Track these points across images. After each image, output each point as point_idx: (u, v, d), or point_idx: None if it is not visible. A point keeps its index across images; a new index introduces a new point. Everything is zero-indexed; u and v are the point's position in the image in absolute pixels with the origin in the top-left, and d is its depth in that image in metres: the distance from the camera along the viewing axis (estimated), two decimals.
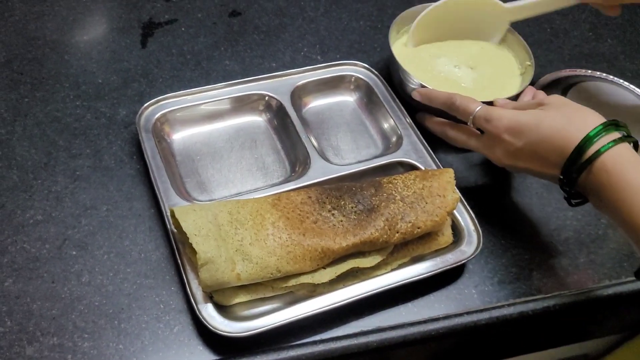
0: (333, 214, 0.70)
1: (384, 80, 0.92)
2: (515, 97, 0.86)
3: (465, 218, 0.78)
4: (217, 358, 0.65)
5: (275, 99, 0.87)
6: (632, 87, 1.02)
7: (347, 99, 0.94)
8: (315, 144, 0.84)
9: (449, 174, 0.76)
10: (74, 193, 0.76)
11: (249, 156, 0.84)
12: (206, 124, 0.86)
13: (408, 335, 0.71)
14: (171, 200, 0.74)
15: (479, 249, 0.75)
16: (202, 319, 0.65)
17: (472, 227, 0.78)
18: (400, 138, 0.87)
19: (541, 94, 0.83)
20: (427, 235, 0.75)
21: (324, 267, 0.70)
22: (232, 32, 1.00)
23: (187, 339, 0.66)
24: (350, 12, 1.08)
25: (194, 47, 0.97)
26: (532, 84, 0.90)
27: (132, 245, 0.73)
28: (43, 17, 0.97)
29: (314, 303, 0.68)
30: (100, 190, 0.77)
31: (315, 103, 0.92)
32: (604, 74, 1.04)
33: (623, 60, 1.08)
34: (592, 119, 0.68)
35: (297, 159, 0.83)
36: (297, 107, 0.88)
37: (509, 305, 0.74)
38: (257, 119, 0.88)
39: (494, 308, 0.74)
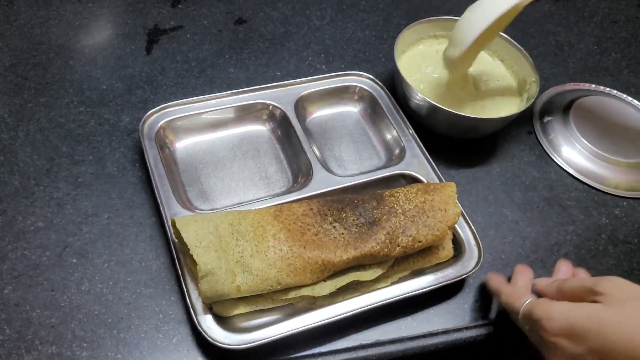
0: (334, 227, 0.70)
1: (388, 92, 0.92)
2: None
3: (467, 232, 0.78)
4: None
5: (279, 108, 0.87)
6: (635, 102, 1.02)
7: (351, 109, 0.94)
8: (318, 154, 0.84)
9: (451, 188, 0.76)
10: (75, 200, 0.77)
11: (252, 165, 0.84)
12: (209, 133, 0.86)
13: (407, 349, 0.71)
14: (172, 209, 0.74)
15: (479, 264, 0.75)
16: (201, 330, 0.64)
17: (473, 242, 0.78)
18: (403, 150, 0.86)
19: (585, 275, 0.71)
20: (428, 249, 0.75)
21: (324, 280, 0.70)
22: (237, 40, 1.00)
23: (186, 349, 0.66)
24: (355, 22, 1.08)
25: (199, 54, 0.97)
26: (536, 97, 0.90)
27: (133, 254, 0.73)
28: (48, 22, 0.97)
29: (314, 315, 0.68)
30: (102, 197, 0.77)
31: (319, 113, 0.92)
32: (608, 89, 1.04)
33: (627, 75, 1.08)
34: None
35: (299, 170, 0.83)
36: (301, 117, 0.88)
37: (509, 320, 0.74)
38: (260, 128, 0.88)
39: (493, 323, 0.74)
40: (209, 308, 0.67)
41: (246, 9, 1.06)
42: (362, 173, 0.84)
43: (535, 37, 1.09)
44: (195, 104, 0.85)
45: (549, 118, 0.98)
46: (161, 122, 0.83)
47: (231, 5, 1.06)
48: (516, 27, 1.12)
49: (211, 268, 0.64)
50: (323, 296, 0.69)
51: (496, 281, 0.72)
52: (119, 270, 0.71)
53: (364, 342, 0.70)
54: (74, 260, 0.71)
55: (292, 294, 0.68)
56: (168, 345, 0.66)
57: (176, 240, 0.70)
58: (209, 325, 0.65)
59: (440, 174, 0.83)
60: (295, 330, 0.66)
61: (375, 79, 0.93)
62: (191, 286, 0.68)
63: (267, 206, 0.74)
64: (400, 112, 0.90)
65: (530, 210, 0.86)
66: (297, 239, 0.68)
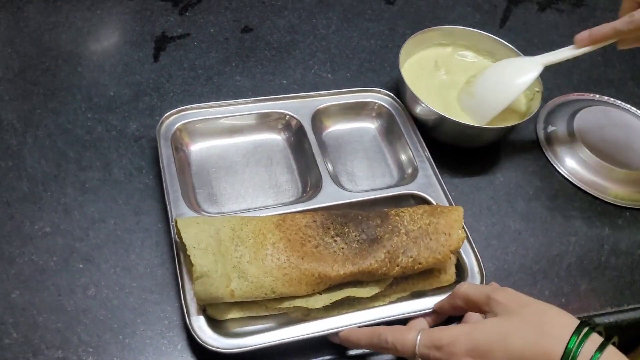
0: (335, 241, 0.70)
1: (406, 110, 0.92)
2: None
3: (471, 258, 0.77)
4: None
5: (296, 119, 0.88)
6: (639, 112, 1.03)
7: (369, 125, 0.94)
8: (330, 168, 0.84)
9: (458, 212, 0.75)
10: (82, 205, 0.77)
11: (263, 173, 0.85)
12: (225, 138, 0.87)
13: None
14: (179, 210, 0.74)
15: None
16: (192, 331, 0.65)
17: (476, 269, 0.77)
18: (416, 170, 0.86)
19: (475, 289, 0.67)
20: (429, 272, 0.74)
21: (319, 293, 0.70)
22: (244, 48, 1.01)
23: (190, 356, 0.67)
24: (361, 31, 1.09)
25: (206, 62, 0.98)
26: (540, 107, 0.90)
27: (139, 260, 0.74)
28: (58, 28, 0.98)
29: (307, 327, 0.68)
30: (109, 203, 0.78)
31: (336, 127, 0.93)
32: (612, 99, 1.05)
33: (631, 86, 1.09)
34: (562, 321, 0.58)
35: (309, 181, 0.84)
36: (317, 129, 0.88)
37: None
38: (276, 137, 0.89)
39: None
40: (203, 310, 0.67)
41: (253, 17, 1.07)
42: (372, 190, 0.84)
43: (540, 48, 1.09)
44: (213, 109, 0.86)
45: (553, 128, 0.98)
46: (178, 124, 0.84)
47: (238, 13, 1.07)
48: (520, 37, 1.13)
49: (207, 270, 0.64)
50: (317, 309, 0.69)
51: (364, 330, 0.68)
52: (125, 275, 0.72)
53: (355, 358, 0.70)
54: (81, 266, 0.72)
55: (286, 304, 0.68)
56: (173, 351, 0.67)
57: (178, 240, 0.71)
58: (200, 326, 0.66)
59: (450, 198, 0.83)
60: (286, 340, 0.66)
61: (395, 97, 0.93)
62: (188, 286, 0.68)
63: (271, 214, 0.74)
64: (417, 132, 0.90)
65: (534, 220, 0.86)
66: (296, 250, 0.69)
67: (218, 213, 0.78)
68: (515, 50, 0.96)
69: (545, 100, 0.93)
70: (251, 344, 0.65)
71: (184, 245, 0.67)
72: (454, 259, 0.76)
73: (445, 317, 0.72)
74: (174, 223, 0.72)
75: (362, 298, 0.70)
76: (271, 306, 0.69)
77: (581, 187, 0.92)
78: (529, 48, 0.96)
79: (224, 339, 0.65)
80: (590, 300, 0.79)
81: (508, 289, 0.63)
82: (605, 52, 1.13)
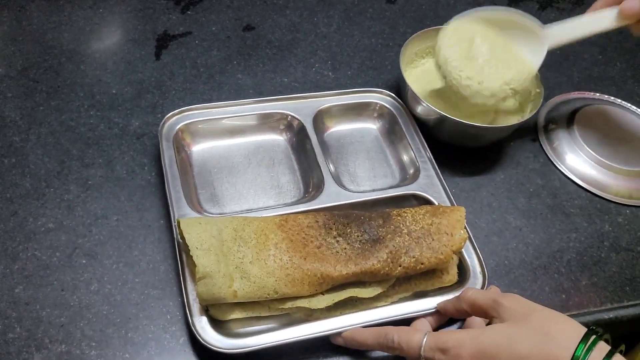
0: (337, 241, 0.70)
1: (408, 111, 0.92)
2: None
3: (473, 258, 0.77)
4: None
5: (298, 119, 0.88)
6: (639, 111, 1.03)
7: (370, 126, 0.94)
8: (332, 168, 0.84)
9: (460, 213, 0.75)
10: (85, 202, 0.78)
11: (265, 174, 0.85)
12: (227, 138, 0.87)
13: None
14: (182, 210, 0.75)
15: None
16: (195, 331, 0.65)
17: (478, 269, 0.77)
18: (417, 171, 0.86)
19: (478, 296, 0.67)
20: (432, 272, 0.74)
21: (322, 293, 0.70)
22: (245, 46, 1.02)
23: (193, 350, 0.67)
24: (362, 30, 1.09)
25: (207, 60, 0.98)
26: (541, 106, 0.90)
27: (141, 256, 0.74)
28: (60, 27, 0.99)
29: (309, 327, 0.68)
30: (112, 200, 0.79)
31: (338, 127, 0.93)
32: (612, 98, 1.05)
33: (632, 85, 1.09)
34: (569, 329, 0.58)
35: (311, 182, 0.84)
36: (319, 130, 0.88)
37: None
38: (277, 138, 0.89)
39: None
40: (205, 310, 0.67)
41: (254, 16, 1.07)
42: (374, 190, 0.84)
43: None
44: (215, 109, 0.87)
45: (554, 126, 0.99)
46: (180, 125, 0.84)
47: (239, 12, 1.08)
48: None
49: (209, 271, 0.64)
50: (320, 309, 0.69)
51: (370, 329, 0.68)
52: (128, 271, 0.72)
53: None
54: (84, 261, 0.72)
55: (288, 304, 0.68)
56: (175, 345, 0.67)
57: (180, 240, 0.71)
58: (202, 326, 0.66)
59: (452, 198, 0.83)
60: (289, 340, 0.66)
61: (396, 97, 0.93)
62: (190, 287, 0.69)
63: (274, 215, 0.74)
64: (419, 132, 0.90)
65: (534, 217, 0.87)
66: (298, 250, 0.69)
67: (220, 214, 0.78)
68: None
69: (546, 99, 0.93)
70: (254, 344, 0.66)
71: (186, 246, 0.67)
72: (456, 259, 0.77)
73: (448, 317, 0.72)
74: (176, 224, 0.72)
75: (364, 298, 0.71)
76: (274, 306, 0.69)
77: (581, 184, 0.92)
78: None
79: (226, 339, 0.65)
80: (590, 296, 0.80)
81: (515, 295, 0.63)
82: (606, 50, 1.14)
